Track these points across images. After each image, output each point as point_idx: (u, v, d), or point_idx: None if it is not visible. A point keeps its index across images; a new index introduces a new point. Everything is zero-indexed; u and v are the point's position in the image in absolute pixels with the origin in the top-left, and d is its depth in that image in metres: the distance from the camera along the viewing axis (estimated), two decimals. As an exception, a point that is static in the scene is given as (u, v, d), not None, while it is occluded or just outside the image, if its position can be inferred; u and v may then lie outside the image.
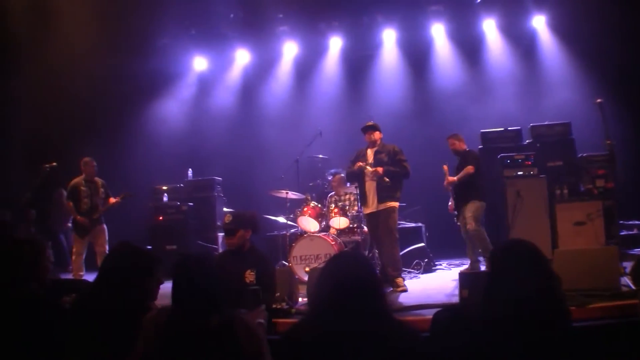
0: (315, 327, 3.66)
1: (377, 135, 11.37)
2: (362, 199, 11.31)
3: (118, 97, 15.99)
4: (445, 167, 11.88)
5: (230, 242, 7.61)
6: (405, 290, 10.36)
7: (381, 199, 10.96)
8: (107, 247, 12.43)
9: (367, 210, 11.22)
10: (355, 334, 3.53)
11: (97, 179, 12.98)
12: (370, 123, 11.47)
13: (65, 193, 13.49)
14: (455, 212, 11.89)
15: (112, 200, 12.96)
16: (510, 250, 3.91)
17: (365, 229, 12.32)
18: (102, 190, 12.97)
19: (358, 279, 3.67)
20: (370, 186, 11.11)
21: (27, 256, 5.08)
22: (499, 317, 3.64)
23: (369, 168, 11.02)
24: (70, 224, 14.01)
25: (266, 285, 7.27)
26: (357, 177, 11.44)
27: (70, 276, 12.63)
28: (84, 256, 12.66)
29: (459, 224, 11.79)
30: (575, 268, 7.99)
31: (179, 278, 4.32)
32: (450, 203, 12.04)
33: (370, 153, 11.34)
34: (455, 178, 11.67)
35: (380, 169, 10.90)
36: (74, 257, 12.62)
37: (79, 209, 12.70)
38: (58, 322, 4.65)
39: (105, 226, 12.87)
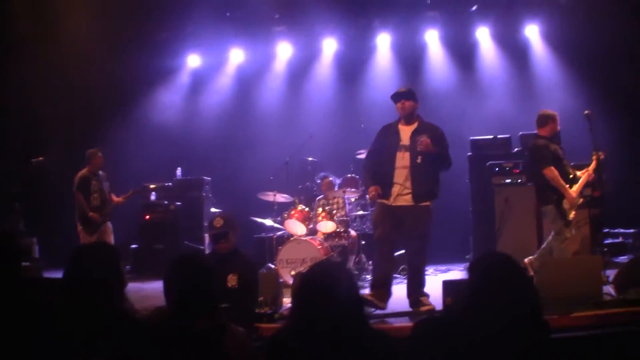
0: (293, 336, 3.70)
1: (411, 105, 9.14)
2: (387, 188, 9.00)
3: (108, 94, 15.92)
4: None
5: (222, 246, 7.43)
6: (434, 309, 8.60)
7: (418, 194, 8.89)
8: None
9: (388, 202, 9.02)
10: (333, 344, 3.57)
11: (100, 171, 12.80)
12: (404, 89, 9.36)
13: None
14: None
15: (117, 199, 12.91)
16: (488, 262, 3.92)
17: (353, 232, 12.28)
18: (107, 183, 12.83)
19: (333, 289, 3.69)
20: (402, 174, 8.97)
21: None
22: (479, 327, 3.66)
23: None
24: None
25: (249, 290, 7.22)
26: (382, 160, 9.19)
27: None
28: None
29: (571, 217, 9.79)
30: (560, 277, 8.06)
31: (170, 278, 4.27)
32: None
33: (405, 131, 9.14)
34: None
35: (428, 142, 8.76)
36: None
37: (89, 204, 12.44)
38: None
39: (110, 223, 12.74)
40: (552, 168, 9.62)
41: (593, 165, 10.04)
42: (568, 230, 9.69)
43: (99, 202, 12.55)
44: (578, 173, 10.00)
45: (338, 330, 3.58)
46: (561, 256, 9.58)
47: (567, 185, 9.63)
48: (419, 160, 8.90)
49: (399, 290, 10.37)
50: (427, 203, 9.02)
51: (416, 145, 8.88)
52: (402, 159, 8.97)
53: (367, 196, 9.51)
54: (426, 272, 10.28)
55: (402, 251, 12.40)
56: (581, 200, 9.88)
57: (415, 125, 9.13)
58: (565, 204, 9.64)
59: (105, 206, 12.63)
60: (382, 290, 8.97)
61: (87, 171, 12.57)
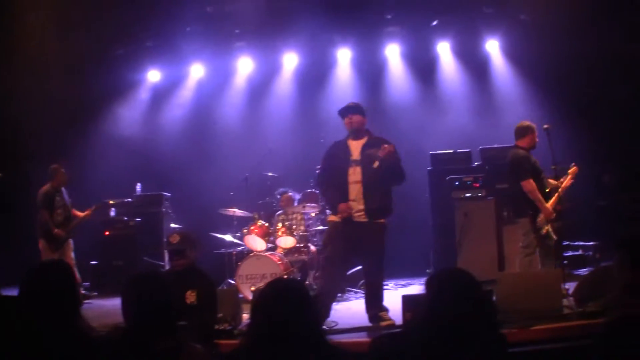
0: (251, 353, 3.68)
1: (359, 120, 8.98)
2: (338, 204, 8.77)
3: (68, 110, 15.68)
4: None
5: (178, 263, 7.33)
6: (393, 324, 8.41)
7: (372, 210, 8.67)
8: (74, 261, 12.33)
9: (338, 218, 8.81)
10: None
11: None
12: (352, 104, 9.20)
13: None
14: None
15: (82, 214, 12.84)
16: (444, 278, 3.90)
17: (313, 248, 12.22)
18: (69, 199, 12.75)
19: (291, 306, 3.67)
20: (355, 189, 8.72)
21: None
22: (436, 344, 3.63)
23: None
24: None
25: (208, 306, 7.15)
26: (335, 177, 8.96)
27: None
28: None
29: (545, 231, 9.90)
30: (520, 291, 8.04)
31: (128, 297, 4.20)
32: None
33: (355, 145, 8.94)
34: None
35: (391, 148, 8.59)
36: None
37: (53, 220, 12.32)
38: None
39: (72, 240, 12.66)
40: (531, 180, 9.70)
41: (569, 178, 10.13)
42: (537, 245, 9.77)
43: (62, 218, 12.48)
44: (556, 182, 10.13)
45: (296, 347, 3.55)
46: (524, 269, 9.69)
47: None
48: (370, 178, 8.68)
49: (359, 305, 10.36)
50: (382, 220, 8.83)
51: (367, 159, 8.71)
52: (354, 174, 8.77)
53: (340, 216, 8.85)
54: (385, 287, 10.19)
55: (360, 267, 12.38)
56: (554, 215, 9.89)
57: (364, 139, 8.98)
58: (541, 218, 9.72)
59: (68, 222, 12.56)
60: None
61: (51, 187, 12.47)
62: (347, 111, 8.97)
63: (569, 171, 10.18)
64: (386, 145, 8.59)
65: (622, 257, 3.73)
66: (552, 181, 10.21)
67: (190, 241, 7.40)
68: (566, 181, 10.11)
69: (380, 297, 8.91)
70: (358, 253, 9.02)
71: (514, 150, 10.12)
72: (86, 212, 12.92)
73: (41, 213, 12.32)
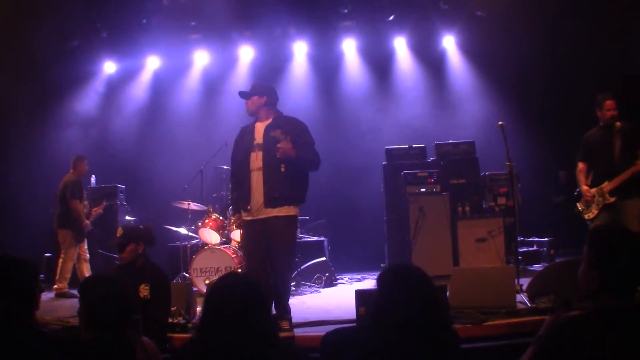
0: (203, 347, 3.66)
1: (255, 102, 8.04)
2: (244, 199, 7.92)
3: (23, 100, 15.54)
4: None
5: (120, 256, 7.28)
6: (292, 337, 7.29)
7: (272, 199, 7.72)
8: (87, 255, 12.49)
9: (248, 217, 7.91)
10: (242, 356, 3.54)
11: None
12: (252, 85, 8.24)
13: None
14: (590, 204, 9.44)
15: (94, 209, 12.91)
16: (394, 274, 3.89)
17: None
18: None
19: (243, 300, 3.66)
20: (256, 177, 7.82)
21: None
22: (386, 340, 3.62)
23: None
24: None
25: (161, 300, 7.09)
26: (238, 167, 8.12)
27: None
28: None
29: (588, 217, 9.44)
30: (473, 286, 8.07)
31: (82, 300, 4.24)
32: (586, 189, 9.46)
33: (259, 128, 8.01)
34: None
35: (289, 147, 7.49)
36: (70, 265, 12.25)
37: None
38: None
39: None
40: (579, 164, 9.64)
41: None
42: None
43: (88, 210, 12.60)
44: None
45: (247, 342, 3.54)
46: None
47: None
48: (270, 163, 7.72)
49: (313, 299, 10.36)
50: (289, 213, 7.83)
51: (270, 142, 7.73)
52: (256, 160, 7.82)
53: (236, 225, 9.00)
54: (339, 281, 10.09)
55: (319, 259, 12.36)
56: (613, 199, 9.18)
57: (270, 120, 7.97)
58: (581, 201, 9.53)
59: (89, 214, 12.69)
60: None
61: (76, 177, 12.47)
62: (243, 96, 8.13)
63: None
64: (280, 145, 7.55)
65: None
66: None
67: (132, 236, 7.30)
68: None
69: (281, 303, 7.83)
70: (268, 249, 7.86)
71: None
72: (97, 208, 13.07)
73: (73, 203, 12.21)
